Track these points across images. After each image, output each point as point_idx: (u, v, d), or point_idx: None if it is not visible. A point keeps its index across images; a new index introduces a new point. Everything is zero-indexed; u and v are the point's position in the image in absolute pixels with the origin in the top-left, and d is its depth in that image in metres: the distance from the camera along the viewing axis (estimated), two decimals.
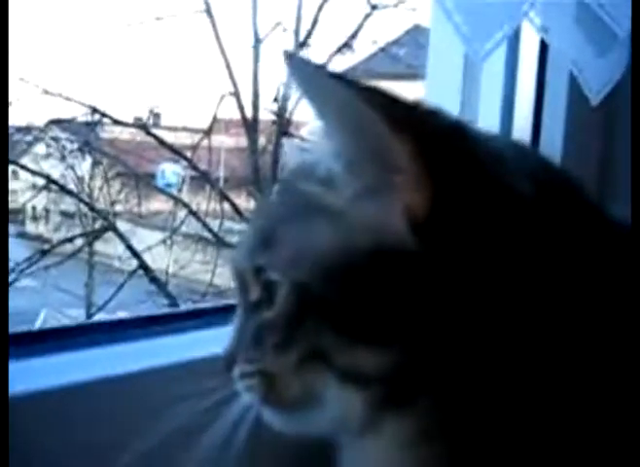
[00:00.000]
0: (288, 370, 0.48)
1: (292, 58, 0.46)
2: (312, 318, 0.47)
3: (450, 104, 0.95)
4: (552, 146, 0.93)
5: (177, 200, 3.21)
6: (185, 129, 3.66)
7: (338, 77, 0.44)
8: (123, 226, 3.31)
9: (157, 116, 3.65)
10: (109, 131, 3.42)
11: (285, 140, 0.58)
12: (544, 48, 0.91)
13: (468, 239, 0.44)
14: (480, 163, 0.45)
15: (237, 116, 3.54)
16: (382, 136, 0.42)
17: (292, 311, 0.47)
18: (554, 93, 0.92)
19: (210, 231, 3.18)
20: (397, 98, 0.44)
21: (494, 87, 0.95)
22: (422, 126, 0.43)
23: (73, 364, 0.63)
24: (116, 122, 3.00)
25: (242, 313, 0.53)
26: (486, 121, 0.93)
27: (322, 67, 0.45)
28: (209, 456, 0.53)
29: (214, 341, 0.71)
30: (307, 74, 0.45)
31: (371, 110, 0.42)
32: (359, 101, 0.43)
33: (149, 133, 3.02)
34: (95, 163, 3.35)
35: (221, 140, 3.69)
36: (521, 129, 0.95)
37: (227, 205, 3.38)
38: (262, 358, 0.50)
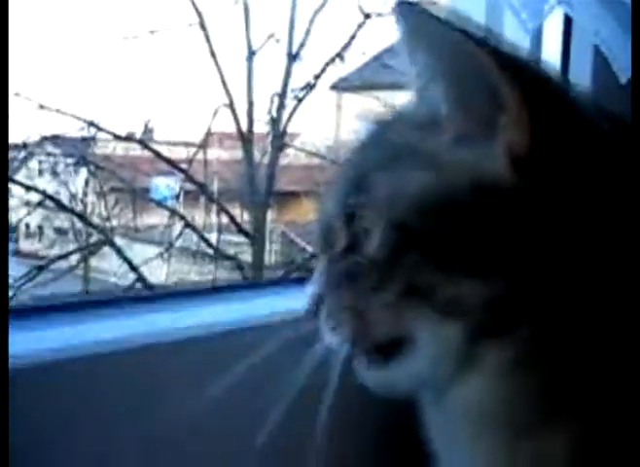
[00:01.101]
0: (383, 306, 0.49)
1: (402, 6, 0.48)
2: (412, 255, 0.48)
3: None
4: None
5: (174, 214, 3.20)
6: (178, 144, 3.67)
7: (453, 26, 0.47)
8: (118, 241, 3.29)
9: (150, 130, 3.65)
10: (102, 147, 3.42)
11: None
12: (568, 23, 0.92)
13: (562, 173, 0.47)
14: (573, 106, 0.49)
15: (230, 129, 3.56)
16: (493, 79, 0.46)
17: (390, 250, 0.48)
18: (580, 71, 0.93)
19: (208, 243, 3.17)
20: (504, 49, 0.49)
21: None
22: (526, 73, 0.48)
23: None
24: (114, 136, 2.99)
25: (328, 264, 0.53)
26: None
27: (434, 15, 0.48)
28: (298, 399, 0.53)
29: None
30: (424, 22, 0.48)
31: (485, 57, 0.46)
32: (475, 50, 0.47)
33: (147, 147, 3.01)
34: (90, 179, 3.34)
35: (214, 153, 3.70)
36: None
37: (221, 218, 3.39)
38: (354, 295, 0.50)
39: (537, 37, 0.93)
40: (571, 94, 0.51)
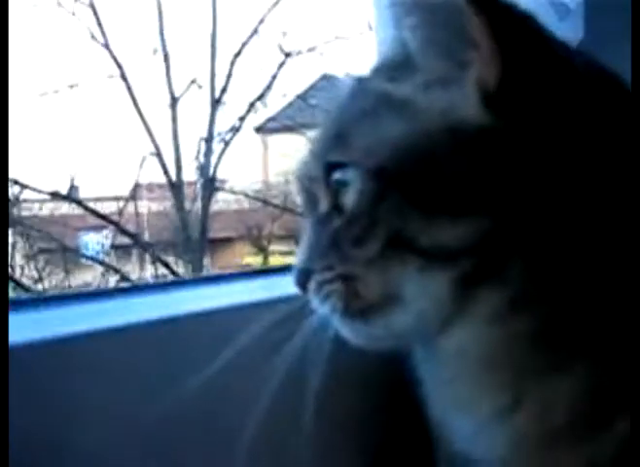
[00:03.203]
0: (369, 265, 0.48)
1: None
2: (392, 201, 0.47)
3: None
4: None
5: (108, 268, 3.13)
6: (105, 199, 3.60)
7: None
8: None
9: (74, 187, 3.58)
10: (26, 209, 3.32)
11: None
12: None
13: (534, 107, 0.47)
14: (547, 42, 0.49)
15: (157, 180, 3.53)
16: (465, 17, 0.46)
17: (369, 200, 0.48)
18: None
19: None
20: None
21: None
22: (498, 9, 0.47)
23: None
24: (40, 192, 2.92)
25: (312, 228, 0.52)
26: None
27: None
28: (293, 372, 0.51)
29: None
30: None
31: None
32: None
33: (77, 203, 2.94)
34: (17, 240, 3.23)
35: (144, 205, 3.65)
36: None
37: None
38: (341, 261, 0.49)
39: None
40: (543, 29, 0.50)
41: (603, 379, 0.47)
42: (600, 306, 0.47)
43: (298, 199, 0.55)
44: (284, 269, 0.57)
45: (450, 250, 0.46)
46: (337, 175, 0.50)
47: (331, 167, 0.50)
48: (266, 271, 0.79)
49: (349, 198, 0.49)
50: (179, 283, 0.77)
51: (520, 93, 0.47)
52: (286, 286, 0.55)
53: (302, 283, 0.52)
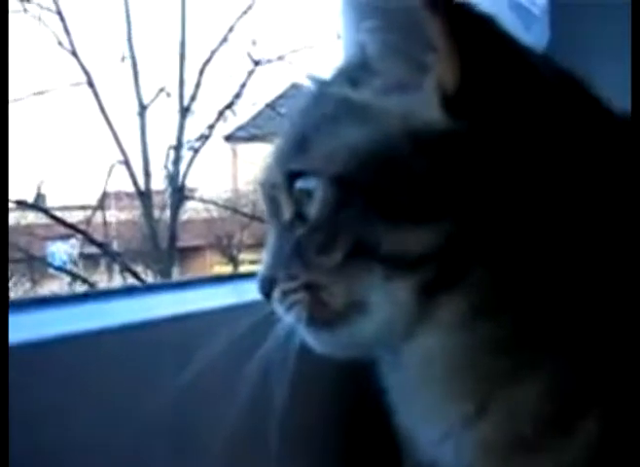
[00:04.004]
0: (333, 273, 0.48)
1: None
2: (354, 209, 0.47)
3: None
4: None
5: (77, 278, 3.09)
6: (72, 207, 3.56)
7: None
8: None
9: (42, 196, 3.54)
10: None
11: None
12: None
13: (494, 109, 0.46)
14: (508, 43, 0.49)
15: (126, 188, 3.49)
16: (422, 18, 0.45)
17: (331, 208, 0.47)
18: None
19: None
20: None
21: None
22: (455, 10, 0.46)
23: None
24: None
25: (276, 236, 0.52)
26: None
27: None
28: (260, 380, 0.51)
29: None
30: None
31: None
32: None
33: (45, 212, 2.89)
34: None
35: (111, 214, 3.61)
36: None
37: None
38: (305, 270, 0.49)
39: None
40: (503, 31, 0.49)
41: (566, 383, 0.47)
42: (560, 310, 0.47)
43: (264, 207, 0.55)
44: (253, 275, 0.57)
45: (412, 257, 0.46)
46: (298, 183, 0.49)
47: (292, 175, 0.50)
48: (234, 277, 0.79)
49: (312, 206, 0.48)
50: (152, 288, 0.77)
51: (480, 96, 0.46)
52: (255, 292, 0.54)
53: (266, 291, 0.51)
